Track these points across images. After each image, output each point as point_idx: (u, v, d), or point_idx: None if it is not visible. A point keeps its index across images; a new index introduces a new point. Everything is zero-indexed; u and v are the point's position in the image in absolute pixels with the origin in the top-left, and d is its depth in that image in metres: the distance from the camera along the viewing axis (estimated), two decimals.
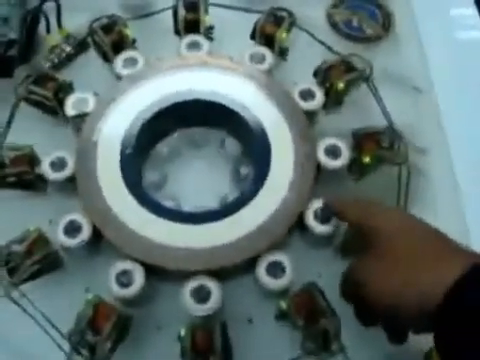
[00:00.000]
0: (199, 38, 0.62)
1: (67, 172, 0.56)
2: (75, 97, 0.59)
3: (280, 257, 0.52)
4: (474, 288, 0.39)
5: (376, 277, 0.44)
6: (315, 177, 0.55)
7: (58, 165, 0.56)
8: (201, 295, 0.50)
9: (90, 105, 0.58)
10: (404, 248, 0.44)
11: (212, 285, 0.51)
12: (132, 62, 0.61)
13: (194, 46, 0.62)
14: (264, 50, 0.62)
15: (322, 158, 0.56)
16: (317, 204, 0.54)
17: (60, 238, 0.53)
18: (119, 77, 0.61)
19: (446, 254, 0.42)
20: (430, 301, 0.39)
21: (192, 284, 0.51)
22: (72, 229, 0.53)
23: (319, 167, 0.56)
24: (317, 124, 0.61)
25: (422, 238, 0.45)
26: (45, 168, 0.56)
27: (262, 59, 0.61)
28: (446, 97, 0.66)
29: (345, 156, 0.56)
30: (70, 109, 0.58)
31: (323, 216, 0.53)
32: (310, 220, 0.54)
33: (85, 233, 0.53)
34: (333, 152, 0.56)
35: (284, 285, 0.51)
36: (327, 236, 0.54)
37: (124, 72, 0.61)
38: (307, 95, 0.59)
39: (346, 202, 0.52)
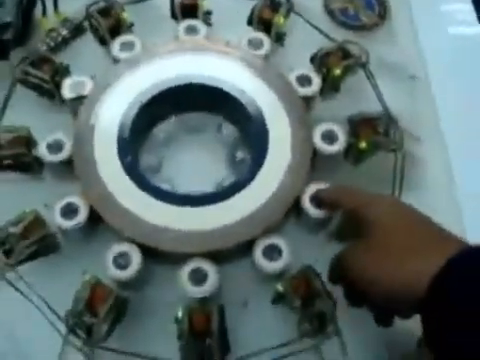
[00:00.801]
0: (196, 23, 0.62)
1: (64, 154, 0.55)
2: (72, 80, 0.59)
3: (276, 240, 0.52)
4: (457, 276, 0.39)
5: (365, 263, 0.44)
6: (312, 162, 0.56)
7: (55, 147, 0.56)
8: (198, 277, 0.51)
9: (87, 88, 0.58)
10: (394, 236, 0.44)
11: (209, 267, 0.51)
12: (129, 46, 0.61)
13: (191, 30, 0.62)
14: (262, 36, 0.62)
15: (318, 143, 0.56)
16: (314, 188, 0.54)
17: (57, 220, 0.53)
18: (116, 61, 0.61)
19: (434, 243, 0.43)
20: (416, 289, 0.40)
21: (189, 266, 0.51)
22: (69, 211, 0.53)
23: (316, 152, 0.56)
24: (314, 110, 0.61)
25: (413, 227, 0.45)
26: (42, 150, 0.55)
27: (260, 44, 0.61)
28: (441, 85, 0.66)
29: (341, 141, 0.57)
30: (67, 92, 0.58)
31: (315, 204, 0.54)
32: (306, 204, 0.54)
33: (82, 215, 0.53)
34: (329, 137, 0.57)
35: (280, 268, 0.52)
36: (323, 221, 0.55)
37: (121, 56, 0.60)
38: (304, 80, 0.59)
39: (341, 189, 0.52)
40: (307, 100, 0.59)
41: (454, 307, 0.38)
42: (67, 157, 0.55)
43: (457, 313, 0.38)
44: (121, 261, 0.51)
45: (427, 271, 0.40)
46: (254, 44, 0.61)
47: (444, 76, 0.68)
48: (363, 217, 0.46)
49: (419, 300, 0.40)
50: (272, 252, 0.52)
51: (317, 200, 0.54)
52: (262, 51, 0.61)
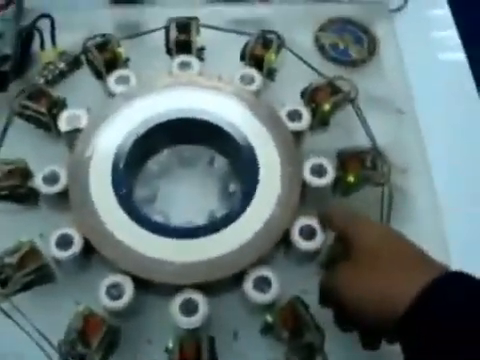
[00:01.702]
0: (190, 59, 0.64)
1: (59, 186, 0.57)
2: (69, 113, 0.60)
3: (266, 272, 0.53)
4: (441, 295, 0.41)
5: (352, 282, 0.46)
6: (301, 195, 0.57)
7: (50, 179, 0.57)
8: (189, 308, 0.51)
9: (83, 121, 0.60)
10: (381, 256, 0.46)
11: (199, 299, 0.52)
12: (125, 80, 0.62)
13: (185, 66, 0.64)
14: (253, 72, 0.63)
15: (308, 177, 0.58)
16: (303, 221, 0.56)
17: (52, 251, 0.54)
18: (112, 94, 0.62)
19: (420, 264, 0.45)
20: (400, 308, 0.41)
21: (180, 297, 0.52)
22: (64, 242, 0.54)
23: (305, 185, 0.58)
24: (303, 144, 0.63)
25: (399, 248, 0.47)
26: (38, 182, 0.57)
27: (251, 81, 0.63)
28: (428, 118, 0.68)
29: (330, 175, 0.58)
30: (64, 125, 0.60)
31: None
32: (295, 237, 0.55)
33: (76, 246, 0.54)
34: (318, 171, 0.58)
35: (270, 299, 0.53)
36: (311, 253, 0.56)
37: (117, 89, 0.62)
38: (295, 116, 0.61)
39: (333, 209, 0.54)
40: (297, 134, 0.61)
41: (438, 324, 0.40)
42: (62, 189, 0.57)
43: (441, 330, 0.40)
44: (114, 292, 0.52)
45: (411, 290, 0.41)
46: (246, 80, 0.63)
47: (431, 107, 0.69)
48: (352, 235, 0.48)
49: (400, 318, 0.41)
50: (262, 284, 0.53)
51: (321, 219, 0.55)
52: (253, 87, 0.63)
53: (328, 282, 0.49)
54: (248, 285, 0.53)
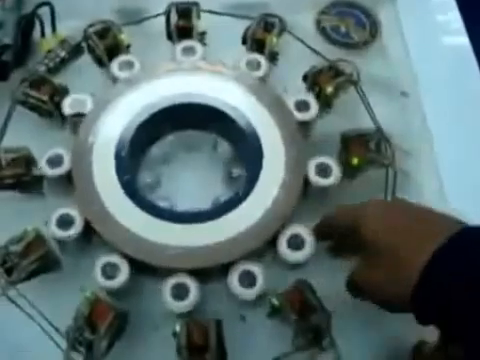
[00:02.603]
0: (193, 43, 0.64)
1: (64, 169, 0.57)
2: (72, 98, 0.60)
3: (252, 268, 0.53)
4: (457, 248, 0.41)
5: (379, 284, 0.45)
6: (305, 180, 0.57)
7: (55, 162, 0.57)
8: (179, 293, 0.52)
9: (88, 106, 0.60)
10: (398, 244, 0.44)
11: (190, 283, 0.52)
12: (128, 66, 0.62)
13: (188, 51, 0.63)
14: (259, 57, 0.63)
15: (313, 177, 0.57)
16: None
17: (53, 230, 0.54)
18: (115, 80, 0.62)
19: (430, 229, 0.44)
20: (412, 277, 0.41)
21: (171, 282, 0.52)
22: (65, 222, 0.54)
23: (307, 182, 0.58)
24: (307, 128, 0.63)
25: (411, 225, 0.45)
26: (42, 165, 0.57)
27: (257, 66, 0.63)
28: (432, 101, 0.68)
29: (336, 175, 0.57)
30: (68, 109, 0.60)
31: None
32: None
33: (77, 227, 0.54)
34: (324, 170, 0.58)
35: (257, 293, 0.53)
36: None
37: (120, 75, 0.62)
38: (302, 106, 0.60)
39: (332, 213, 0.53)
40: (305, 124, 0.61)
41: (451, 285, 0.40)
42: (67, 171, 0.57)
43: (454, 289, 0.39)
44: (109, 271, 0.53)
45: (424, 256, 0.41)
46: (252, 65, 0.63)
47: (435, 90, 0.69)
48: (361, 231, 0.47)
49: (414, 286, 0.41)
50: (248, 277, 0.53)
51: (317, 235, 0.55)
52: (260, 72, 0.63)
53: (355, 285, 0.49)
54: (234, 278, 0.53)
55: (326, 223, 0.54)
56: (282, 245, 0.54)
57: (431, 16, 0.76)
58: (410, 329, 0.45)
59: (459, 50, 0.74)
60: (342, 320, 0.51)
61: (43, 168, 0.57)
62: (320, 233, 0.55)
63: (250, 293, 0.52)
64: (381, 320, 0.53)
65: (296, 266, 0.56)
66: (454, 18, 0.77)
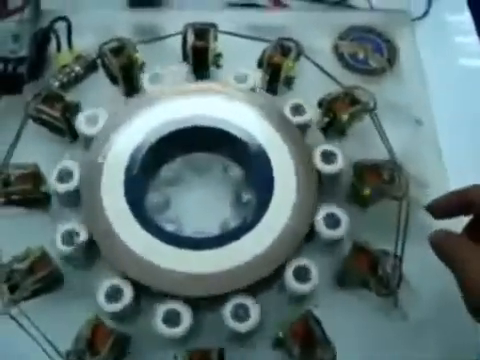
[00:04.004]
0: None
1: (73, 184, 0.56)
2: (87, 113, 0.60)
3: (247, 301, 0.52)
4: None
5: None
6: (316, 204, 0.56)
7: (65, 176, 0.57)
8: (172, 319, 0.51)
9: (101, 122, 0.59)
10: None
11: (184, 310, 0.51)
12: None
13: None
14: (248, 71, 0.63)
15: (319, 164, 0.58)
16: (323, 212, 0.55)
17: (57, 244, 0.54)
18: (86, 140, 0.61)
19: None
20: None
21: (163, 308, 0.51)
22: (70, 237, 0.54)
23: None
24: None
25: None
26: (52, 181, 0.57)
27: (245, 79, 0.63)
28: (447, 130, 0.67)
29: (340, 162, 0.58)
30: (82, 125, 0.60)
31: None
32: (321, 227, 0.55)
33: (82, 239, 0.54)
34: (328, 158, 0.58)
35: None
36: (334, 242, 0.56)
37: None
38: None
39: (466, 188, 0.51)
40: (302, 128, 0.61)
41: None
42: (75, 187, 0.56)
43: None
44: (112, 294, 0.52)
45: None
46: (240, 79, 0.63)
47: (452, 117, 0.68)
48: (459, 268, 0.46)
49: None
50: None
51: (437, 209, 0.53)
52: (248, 85, 0.63)
53: None
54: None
55: (459, 198, 0.51)
56: (289, 276, 0.53)
57: (449, 39, 0.76)
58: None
59: (477, 74, 0.73)
60: (345, 351, 0.50)
61: (52, 183, 0.57)
62: (444, 208, 0.52)
63: (242, 327, 0.51)
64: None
65: (302, 297, 0.55)
66: (473, 41, 0.76)
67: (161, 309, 0.51)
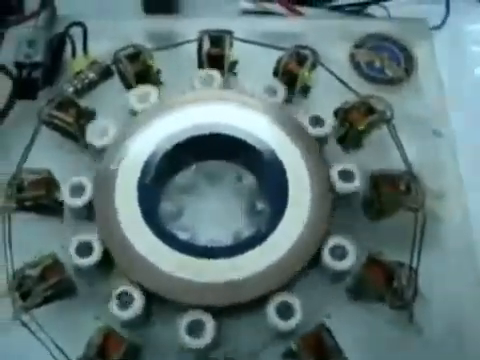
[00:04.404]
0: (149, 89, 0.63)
1: (85, 198, 0.56)
2: (96, 125, 0.60)
3: (290, 298, 0.52)
4: None
5: None
6: (331, 215, 0.56)
7: (77, 191, 0.56)
8: (195, 329, 0.50)
9: (110, 135, 0.59)
10: None
11: (208, 320, 0.51)
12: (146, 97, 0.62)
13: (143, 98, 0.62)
14: (277, 84, 0.63)
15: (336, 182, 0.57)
16: (333, 241, 0.54)
17: (72, 257, 0.53)
18: (133, 113, 0.62)
19: None
20: None
21: (188, 318, 0.51)
22: (84, 249, 0.54)
23: (335, 206, 0.56)
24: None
25: None
26: (64, 194, 0.56)
27: (274, 93, 0.62)
28: (465, 142, 0.66)
29: (357, 181, 0.57)
30: (92, 137, 0.59)
31: None
32: (326, 257, 0.54)
33: (96, 254, 0.53)
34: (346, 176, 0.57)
35: (293, 326, 0.51)
36: (340, 274, 0.54)
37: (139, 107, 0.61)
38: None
39: None
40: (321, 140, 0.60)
41: None
42: (88, 201, 0.56)
43: None
44: (124, 301, 0.52)
45: None
46: (270, 92, 0.62)
47: (470, 129, 0.67)
48: None
49: None
50: (286, 309, 0.51)
51: None
52: (278, 98, 0.62)
53: None
54: (271, 310, 0.51)
55: None
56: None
57: (468, 50, 0.76)
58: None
59: None
60: None
61: (65, 198, 0.56)
62: None
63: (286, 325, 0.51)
64: None
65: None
66: None
67: (185, 320, 0.51)
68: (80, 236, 0.54)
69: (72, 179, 0.57)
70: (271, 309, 0.51)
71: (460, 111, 0.69)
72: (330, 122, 0.60)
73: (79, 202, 0.56)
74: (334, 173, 0.57)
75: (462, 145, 0.66)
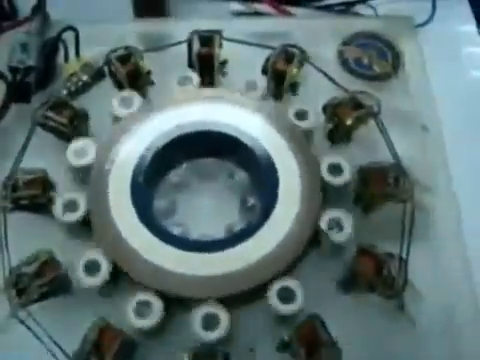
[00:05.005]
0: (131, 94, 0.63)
1: (79, 214, 0.56)
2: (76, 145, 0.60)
3: (290, 283, 0.53)
4: None
5: None
6: (321, 207, 0.57)
7: (70, 207, 0.57)
8: (210, 322, 0.51)
9: (91, 155, 0.59)
10: None
11: (221, 313, 0.51)
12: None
13: (126, 102, 0.63)
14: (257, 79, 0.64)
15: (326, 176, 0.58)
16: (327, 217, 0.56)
17: (80, 277, 0.54)
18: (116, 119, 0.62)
19: None
20: None
21: (201, 311, 0.51)
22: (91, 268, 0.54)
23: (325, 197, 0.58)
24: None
25: None
26: (58, 211, 0.57)
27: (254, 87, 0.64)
28: (453, 137, 0.67)
29: (347, 174, 0.58)
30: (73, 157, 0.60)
31: None
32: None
33: (105, 272, 0.54)
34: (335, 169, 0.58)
35: (293, 311, 0.52)
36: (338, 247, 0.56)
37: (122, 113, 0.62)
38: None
39: None
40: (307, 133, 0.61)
41: None
42: (82, 216, 0.56)
43: None
44: (142, 310, 0.52)
45: None
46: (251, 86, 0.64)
47: (457, 125, 0.68)
48: None
49: None
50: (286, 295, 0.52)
51: None
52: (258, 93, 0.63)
53: None
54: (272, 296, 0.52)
55: None
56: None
57: (454, 49, 0.77)
58: None
59: None
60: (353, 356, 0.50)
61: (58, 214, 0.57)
62: None
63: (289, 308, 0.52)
64: None
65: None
66: (478, 51, 0.77)
67: (198, 314, 0.51)
68: (86, 256, 0.54)
69: (64, 195, 0.57)
70: (273, 294, 0.52)
71: (448, 108, 0.69)
72: (314, 114, 0.61)
73: (73, 218, 0.57)
74: (324, 167, 0.58)
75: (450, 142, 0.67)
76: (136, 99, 0.62)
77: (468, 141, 0.68)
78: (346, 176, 0.58)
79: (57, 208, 0.56)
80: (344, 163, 0.59)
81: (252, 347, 0.54)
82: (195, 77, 0.64)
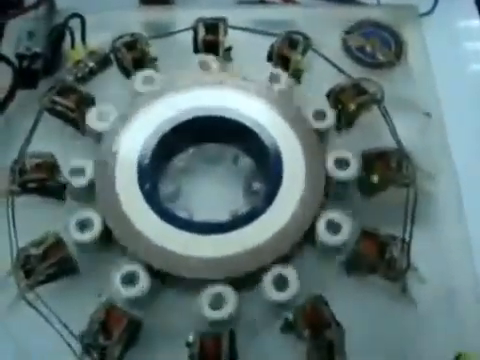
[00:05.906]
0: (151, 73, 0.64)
1: (86, 179, 0.58)
2: (97, 109, 0.61)
3: (286, 271, 0.53)
4: None
5: None
6: (325, 192, 0.57)
7: (78, 173, 0.58)
8: (218, 302, 0.52)
9: (111, 118, 0.61)
10: None
11: (229, 292, 0.52)
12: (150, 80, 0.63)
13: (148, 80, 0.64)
14: (280, 71, 0.64)
15: (331, 169, 0.58)
16: (328, 215, 0.56)
17: (72, 233, 0.55)
18: (136, 94, 0.63)
19: None
20: None
21: (210, 291, 0.52)
22: (84, 226, 0.55)
23: (328, 182, 0.58)
24: (328, 144, 0.63)
25: None
26: (65, 175, 0.58)
27: (278, 80, 0.63)
28: (455, 124, 0.68)
29: (353, 168, 0.58)
30: (92, 121, 0.61)
31: None
32: (321, 230, 0.55)
33: (96, 230, 0.55)
34: (342, 164, 0.58)
35: (289, 297, 0.53)
36: (334, 249, 0.56)
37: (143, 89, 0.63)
38: (319, 115, 0.61)
39: None
40: (321, 133, 0.61)
41: None
42: (89, 182, 0.58)
43: None
44: (129, 280, 0.53)
45: None
46: (274, 79, 0.63)
47: (459, 112, 0.69)
48: None
49: None
50: (281, 282, 0.53)
51: None
52: (281, 85, 0.63)
53: None
54: (267, 283, 0.53)
55: None
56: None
57: (457, 40, 0.77)
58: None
59: None
60: (354, 337, 0.51)
61: (66, 178, 0.58)
62: None
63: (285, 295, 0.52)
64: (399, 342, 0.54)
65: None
66: None
67: (207, 294, 0.52)
68: (80, 213, 0.56)
69: (72, 161, 0.58)
70: (267, 281, 0.53)
71: (451, 96, 0.70)
72: (332, 114, 0.61)
73: (82, 181, 0.58)
74: (330, 161, 0.59)
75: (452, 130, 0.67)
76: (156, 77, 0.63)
77: (468, 126, 0.68)
78: (352, 171, 0.58)
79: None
80: (351, 157, 0.59)
81: (256, 328, 0.55)
82: (214, 61, 0.65)
